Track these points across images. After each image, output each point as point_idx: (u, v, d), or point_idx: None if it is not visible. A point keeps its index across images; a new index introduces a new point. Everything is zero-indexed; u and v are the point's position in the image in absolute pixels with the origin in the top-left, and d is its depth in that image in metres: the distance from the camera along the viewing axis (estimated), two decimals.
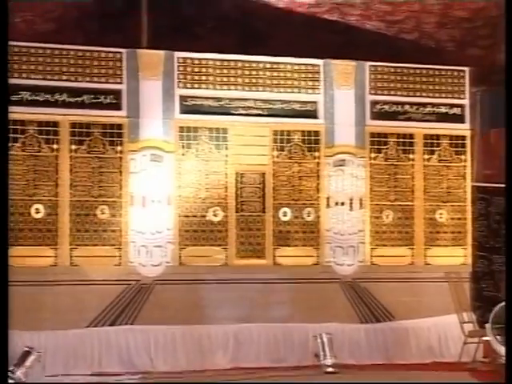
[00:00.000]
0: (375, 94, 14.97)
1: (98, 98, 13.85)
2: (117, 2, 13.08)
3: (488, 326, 9.76)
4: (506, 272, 5.58)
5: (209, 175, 14.30)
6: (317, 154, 14.70)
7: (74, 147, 13.75)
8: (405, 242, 14.99)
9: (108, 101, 13.89)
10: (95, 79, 13.87)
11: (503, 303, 9.65)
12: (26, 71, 13.54)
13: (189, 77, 14.25)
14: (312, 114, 14.71)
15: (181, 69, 14.20)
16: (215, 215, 14.29)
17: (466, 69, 15.23)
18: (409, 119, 15.12)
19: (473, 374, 12.67)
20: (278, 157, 14.58)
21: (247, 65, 14.47)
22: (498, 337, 9.59)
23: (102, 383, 12.33)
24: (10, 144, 13.35)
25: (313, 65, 14.69)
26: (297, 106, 14.66)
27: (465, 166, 15.33)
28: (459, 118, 15.31)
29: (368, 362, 13.68)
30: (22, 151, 13.52)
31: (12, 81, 13.28)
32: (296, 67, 14.66)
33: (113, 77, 13.92)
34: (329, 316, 14.11)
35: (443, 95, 15.21)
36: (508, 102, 4.96)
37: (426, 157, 15.15)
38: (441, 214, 15.16)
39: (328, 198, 14.72)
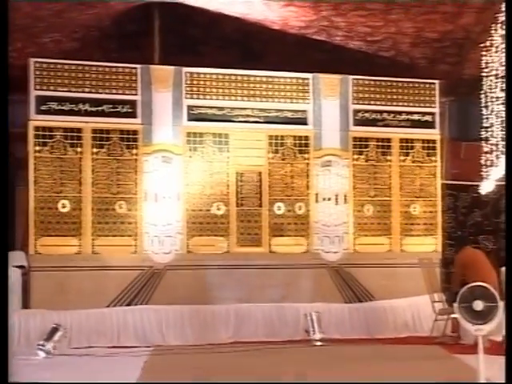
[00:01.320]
0: (357, 103, 14.97)
1: (116, 108, 13.90)
2: (132, 24, 13.10)
3: (456, 305, 9.84)
4: (506, 272, 5.46)
5: (212, 174, 14.34)
6: (307, 155, 14.74)
7: (95, 150, 13.80)
8: (383, 232, 15.04)
9: (125, 110, 13.93)
10: (113, 91, 13.90)
11: (469, 285, 9.77)
12: (54, 84, 13.56)
13: (195, 89, 14.26)
14: (302, 121, 14.73)
15: (188, 82, 14.22)
16: (218, 209, 14.34)
17: (436, 82, 15.21)
18: (386, 125, 15.11)
19: (442, 347, 12.68)
20: (272, 158, 14.62)
21: (246, 78, 14.48)
22: (465, 315, 9.67)
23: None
24: (39, 148, 13.49)
25: (303, 78, 14.71)
26: (289, 114, 14.68)
27: (435, 166, 15.34)
28: (430, 125, 15.31)
29: (351, 337, 13.60)
30: (50, 154, 13.57)
31: (41, 93, 13.48)
32: (288, 80, 14.67)
33: (129, 89, 13.95)
34: (317, 297, 14.16)
35: (416, 104, 15.20)
36: (508, 101, 4.86)
37: (402, 158, 15.18)
38: (414, 207, 15.19)
39: (316, 194, 14.76)
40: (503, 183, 14.11)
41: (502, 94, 11.61)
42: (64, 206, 13.68)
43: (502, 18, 11.37)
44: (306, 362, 11.71)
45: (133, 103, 14.02)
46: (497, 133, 12.35)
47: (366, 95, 15.09)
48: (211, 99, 14.40)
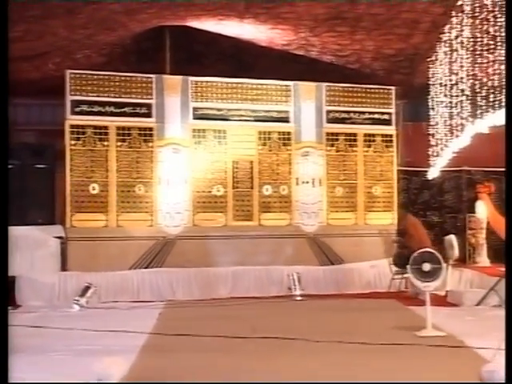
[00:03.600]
0: (329, 105, 14.93)
1: (136, 109, 13.92)
2: (148, 42, 13.09)
3: (408, 267, 9.95)
4: (506, 271, 5.33)
5: (213, 163, 14.38)
6: (289, 147, 14.76)
7: (118, 144, 13.85)
8: (350, 208, 15.04)
9: (142, 111, 13.95)
10: (133, 96, 13.91)
11: (419, 250, 9.87)
12: (85, 91, 13.59)
13: (199, 94, 14.26)
14: (285, 120, 14.74)
15: (193, 88, 14.23)
16: (218, 191, 14.37)
17: (393, 88, 15.19)
18: (353, 123, 15.10)
19: (397, 300, 12.69)
20: (261, 150, 14.66)
21: (239, 85, 14.49)
22: (416, 275, 9.77)
23: None
24: (74, 142, 13.52)
25: (286, 85, 14.70)
26: (274, 114, 14.68)
27: (392, 156, 15.34)
28: (388, 122, 15.29)
29: (325, 293, 13.57)
30: (83, 147, 13.62)
31: (75, 97, 13.53)
32: (274, 87, 14.68)
33: (146, 94, 13.96)
34: (298, 261, 14.14)
35: (377, 106, 15.17)
36: (508, 103, 4.75)
37: (365, 149, 15.18)
38: (375, 189, 15.20)
39: (297, 179, 14.79)
40: (446, 169, 14.36)
41: (445, 99, 11.67)
42: (94, 188, 13.73)
43: (444, 37, 11.45)
44: (288, 313, 11.81)
45: (149, 106, 14.03)
46: (441, 129, 12.43)
47: (337, 99, 15.04)
48: (212, 102, 14.39)
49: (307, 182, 14.93)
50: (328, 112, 15.04)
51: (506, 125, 4.89)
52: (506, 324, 5.09)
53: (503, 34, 7.72)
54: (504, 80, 7.88)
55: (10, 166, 13.56)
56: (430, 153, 13.70)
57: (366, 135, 15.26)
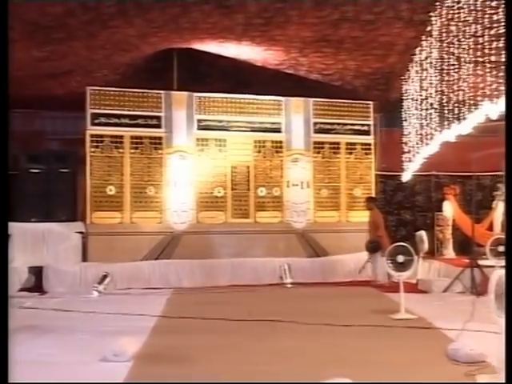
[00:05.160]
0: (316, 117, 14.92)
1: (147, 121, 13.89)
2: (158, 62, 13.06)
3: (384, 258, 9.97)
4: (506, 272, 5.19)
5: (214, 168, 14.35)
6: (281, 154, 14.72)
7: (132, 151, 13.83)
8: (334, 207, 15.02)
9: (153, 123, 13.92)
10: (145, 109, 13.90)
11: (394, 244, 9.88)
12: (103, 104, 13.60)
13: (202, 108, 14.24)
14: (278, 130, 14.71)
15: (197, 103, 14.22)
16: (219, 192, 14.34)
17: (371, 102, 15.19)
18: (336, 133, 15.05)
19: (374, 287, 12.71)
20: (257, 156, 14.63)
21: (237, 100, 14.47)
22: (391, 265, 9.79)
23: None
24: (93, 149, 13.52)
25: (278, 100, 14.70)
26: (268, 125, 14.64)
27: (371, 162, 15.32)
28: (367, 132, 15.26)
29: (312, 281, 13.49)
30: (101, 153, 13.63)
31: (94, 110, 13.54)
32: (267, 101, 14.67)
33: (156, 108, 13.95)
34: (288, 253, 14.14)
35: (357, 118, 15.14)
36: (508, 105, 4.65)
37: (347, 156, 15.16)
38: (356, 190, 15.16)
39: (288, 182, 14.76)
40: (417, 173, 14.36)
41: (416, 112, 11.66)
42: (110, 190, 13.72)
43: (416, 58, 11.45)
44: (280, 298, 11.83)
45: (158, 118, 14.01)
46: (413, 138, 12.41)
47: (322, 112, 15.02)
48: (214, 115, 14.36)
49: (297, 185, 14.88)
50: (315, 123, 15.02)
51: (505, 125, 4.78)
52: (507, 324, 4.83)
53: (466, 55, 7.75)
54: (467, 95, 7.93)
55: (37, 171, 13.79)
56: (403, 159, 13.69)
57: (347, 144, 15.23)
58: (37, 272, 12.95)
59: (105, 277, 12.40)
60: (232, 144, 14.53)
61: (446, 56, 8.93)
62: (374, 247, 13.19)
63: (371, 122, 15.41)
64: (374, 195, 14.81)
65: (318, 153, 15.07)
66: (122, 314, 9.71)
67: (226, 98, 14.46)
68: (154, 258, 13.71)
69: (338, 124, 15.15)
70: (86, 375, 5.77)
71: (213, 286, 13.11)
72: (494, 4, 6.91)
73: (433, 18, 9.48)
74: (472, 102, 7.79)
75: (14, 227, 13.31)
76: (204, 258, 13.74)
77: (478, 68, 7.47)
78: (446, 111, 8.98)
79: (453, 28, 8.38)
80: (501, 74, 6.74)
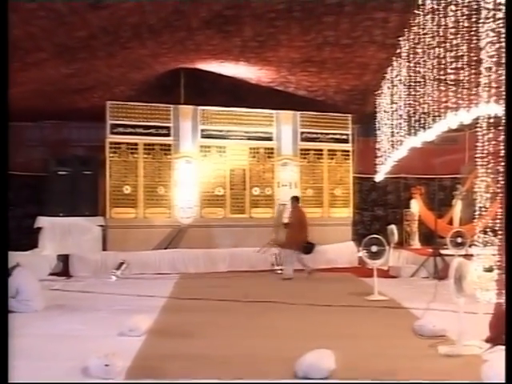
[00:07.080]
0: (302, 128, 14.87)
1: (158, 130, 13.87)
2: (167, 80, 13.02)
3: (361, 248, 9.99)
4: (505, 273, 4.93)
5: (215, 170, 14.31)
6: (272, 159, 14.68)
7: (145, 156, 13.79)
8: (318, 205, 14.99)
9: (163, 132, 13.90)
10: (156, 120, 13.85)
11: (369, 236, 9.91)
12: (121, 116, 13.56)
13: (205, 119, 14.21)
14: (269, 139, 14.66)
15: (201, 115, 14.18)
16: (219, 191, 14.31)
17: (350, 115, 15.13)
18: (320, 141, 15.02)
19: (352, 273, 12.78)
20: (252, 161, 14.58)
21: (235, 113, 14.41)
22: (366, 254, 9.81)
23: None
24: (112, 155, 13.50)
25: (270, 113, 14.66)
26: (261, 134, 14.60)
27: (349, 166, 15.28)
28: (346, 141, 15.20)
29: (299, 268, 13.41)
30: (119, 158, 13.61)
31: (113, 121, 13.52)
32: (261, 114, 14.62)
33: (165, 119, 13.93)
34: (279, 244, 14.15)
35: (338, 128, 15.11)
36: (508, 103, 4.49)
37: (329, 161, 15.11)
38: (337, 190, 15.13)
39: (278, 182, 14.73)
40: (389, 176, 14.35)
41: (388, 122, 11.65)
42: (127, 189, 13.68)
43: (387, 76, 11.45)
44: (272, 283, 11.85)
45: (168, 128, 13.97)
46: (385, 145, 12.39)
47: (308, 123, 14.97)
48: (215, 125, 14.32)
49: (286, 185, 14.84)
50: (301, 133, 14.96)
51: (505, 125, 4.71)
52: (507, 323, 4.60)
53: (430, 74, 7.77)
54: (432, 108, 7.94)
55: (65, 173, 13.89)
56: (376, 163, 13.69)
57: (329, 150, 15.19)
58: (64, 259, 12.93)
59: (121, 264, 12.39)
60: (231, 150, 14.49)
61: (413, 74, 8.96)
62: (309, 248, 12.82)
63: (350, 132, 15.35)
64: (297, 194, 13.78)
65: (304, 158, 15.04)
66: (137, 296, 9.73)
67: (226, 111, 14.40)
68: (164, 248, 13.64)
69: (322, 133, 15.11)
70: (106, 347, 5.75)
71: (214, 272, 13.09)
72: (452, 31, 6.95)
73: (402, 42, 9.49)
74: (435, 113, 7.81)
75: (45, 221, 13.39)
76: (206, 248, 13.68)
77: (441, 84, 7.49)
78: (413, 121, 9.00)
79: (419, 50, 8.40)
80: (459, 89, 6.76)
